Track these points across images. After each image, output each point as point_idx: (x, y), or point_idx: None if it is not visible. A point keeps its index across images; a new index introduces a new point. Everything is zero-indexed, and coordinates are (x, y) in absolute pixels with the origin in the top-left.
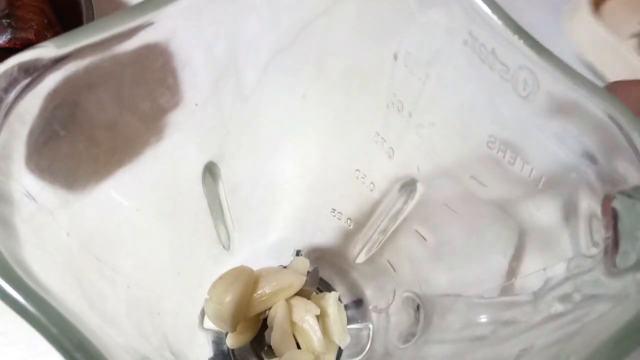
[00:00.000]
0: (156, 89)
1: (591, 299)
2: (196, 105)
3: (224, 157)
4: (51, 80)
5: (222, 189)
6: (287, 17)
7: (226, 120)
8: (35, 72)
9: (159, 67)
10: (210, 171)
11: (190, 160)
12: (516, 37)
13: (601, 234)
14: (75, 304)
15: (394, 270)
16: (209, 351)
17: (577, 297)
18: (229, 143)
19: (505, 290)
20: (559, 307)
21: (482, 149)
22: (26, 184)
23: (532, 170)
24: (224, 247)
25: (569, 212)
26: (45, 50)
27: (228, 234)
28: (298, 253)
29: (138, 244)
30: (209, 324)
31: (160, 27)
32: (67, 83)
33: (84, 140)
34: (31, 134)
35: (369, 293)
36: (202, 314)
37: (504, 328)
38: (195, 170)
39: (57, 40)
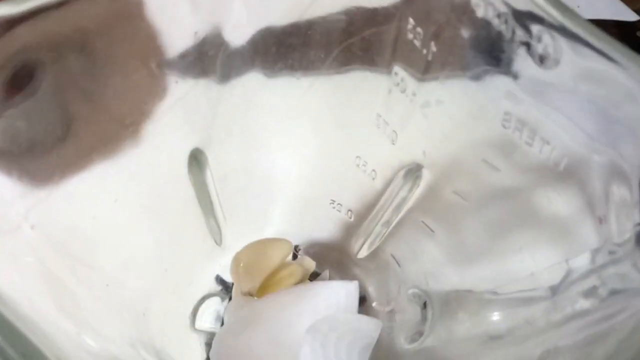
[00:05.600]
0: (129, 62)
1: (619, 294)
2: (176, 82)
3: (212, 144)
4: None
5: (210, 178)
6: None
7: (212, 103)
8: None
9: (130, 37)
10: (197, 158)
11: (173, 147)
12: None
13: (632, 222)
14: (39, 309)
15: (399, 265)
16: (201, 354)
17: (603, 292)
18: (217, 129)
19: (520, 285)
20: (584, 304)
21: (496, 129)
22: None
23: (552, 150)
24: (215, 242)
25: (594, 198)
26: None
27: (219, 227)
28: (296, 248)
29: (118, 239)
30: (201, 324)
31: None
32: (25, 47)
33: (46, 121)
34: None
35: (372, 290)
36: (194, 314)
37: (521, 327)
38: (180, 157)
39: None
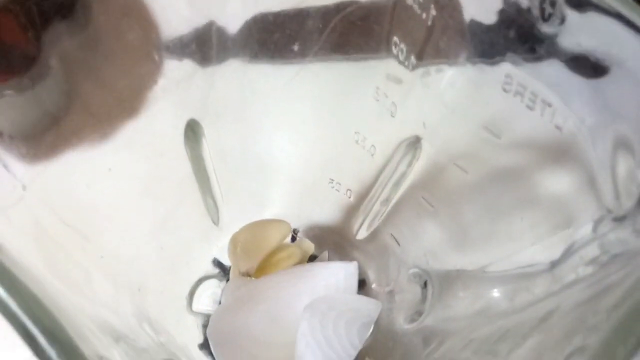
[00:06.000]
0: (122, 20)
1: (619, 256)
2: (170, 46)
3: (208, 116)
4: None
5: (207, 151)
6: None
7: (209, 80)
8: None
9: (126, 6)
10: (193, 130)
11: (169, 117)
12: None
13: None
14: (35, 267)
15: (399, 245)
16: (198, 336)
17: (603, 258)
18: (213, 101)
19: (521, 261)
20: (585, 270)
21: (497, 93)
22: None
23: (554, 113)
24: (212, 221)
25: (596, 168)
26: None
27: (216, 206)
28: (295, 232)
29: (113, 210)
30: (198, 306)
31: None
32: None
33: (49, 101)
34: None
35: (372, 273)
36: (191, 295)
37: (521, 299)
38: (177, 128)
39: None
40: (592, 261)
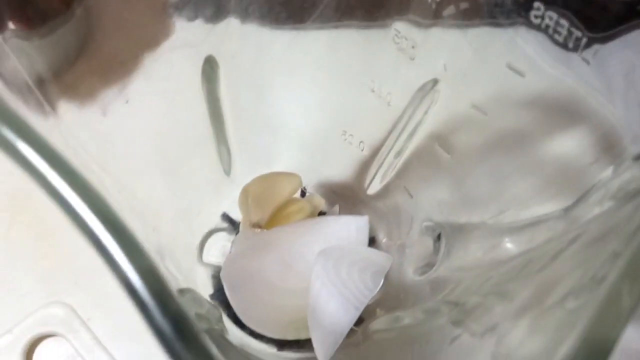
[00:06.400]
0: None
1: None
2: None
3: (225, 53)
4: None
5: (224, 92)
6: None
7: (223, 25)
8: None
9: None
10: (211, 66)
11: (188, 52)
12: None
13: None
14: None
15: (411, 197)
16: (208, 287)
17: (619, 194)
18: (231, 36)
19: (534, 211)
20: (606, 205)
21: (523, 27)
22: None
23: (582, 48)
24: (224, 171)
25: (620, 109)
26: None
27: (229, 155)
28: (304, 189)
29: (128, 145)
30: (208, 257)
31: None
32: None
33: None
34: None
35: (383, 230)
36: (201, 246)
37: (534, 242)
38: (194, 64)
39: None
40: (611, 198)
